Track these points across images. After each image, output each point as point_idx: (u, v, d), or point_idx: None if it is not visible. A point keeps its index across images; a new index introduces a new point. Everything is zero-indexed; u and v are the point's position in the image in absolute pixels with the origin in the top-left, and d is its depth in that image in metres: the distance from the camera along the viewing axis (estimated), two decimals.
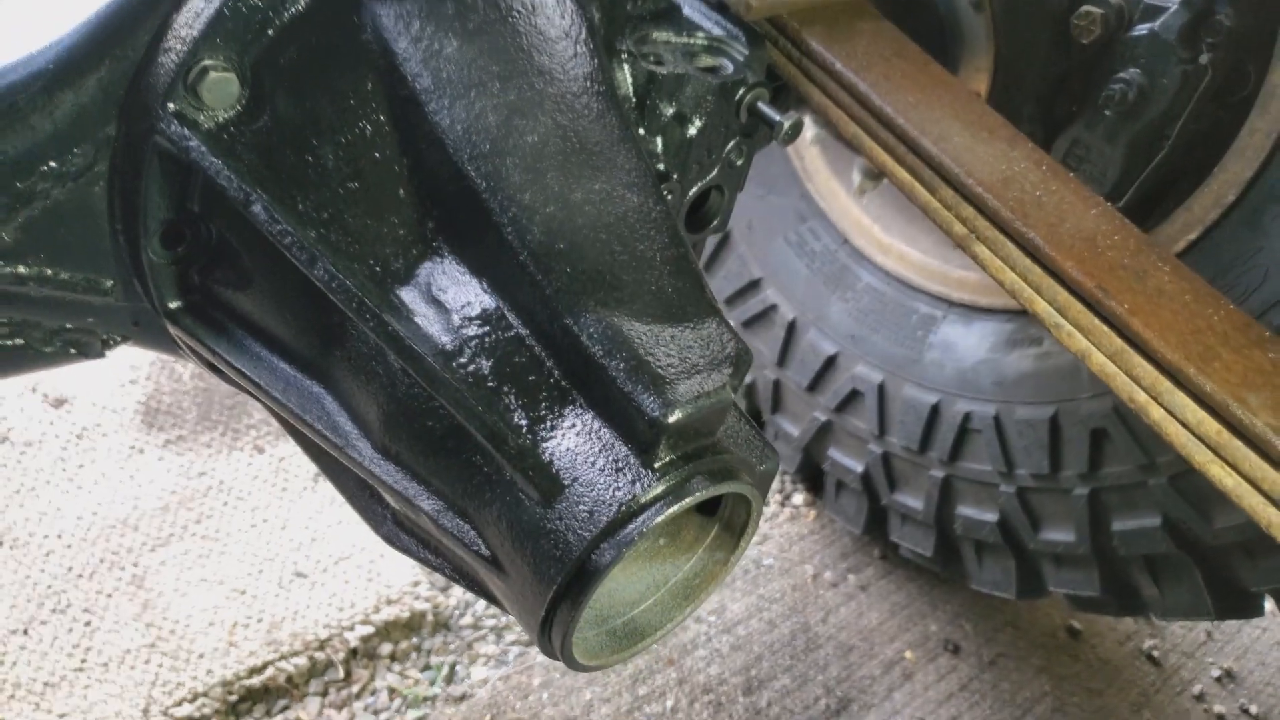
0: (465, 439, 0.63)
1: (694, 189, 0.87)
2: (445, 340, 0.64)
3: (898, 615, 1.74)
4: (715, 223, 0.91)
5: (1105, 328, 0.72)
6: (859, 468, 1.64)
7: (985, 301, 1.52)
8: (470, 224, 0.66)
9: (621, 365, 0.60)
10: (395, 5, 0.66)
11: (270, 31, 0.65)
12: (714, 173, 0.87)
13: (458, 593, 1.53)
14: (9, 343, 0.71)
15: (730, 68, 0.83)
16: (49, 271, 0.70)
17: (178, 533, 1.46)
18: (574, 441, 0.61)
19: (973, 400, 1.48)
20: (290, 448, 1.59)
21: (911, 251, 1.61)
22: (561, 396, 0.62)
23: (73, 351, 0.74)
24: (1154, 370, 0.70)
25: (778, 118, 0.83)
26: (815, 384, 1.67)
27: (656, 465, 0.60)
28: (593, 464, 0.61)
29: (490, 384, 0.63)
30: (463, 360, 0.63)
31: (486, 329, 0.65)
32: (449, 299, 0.66)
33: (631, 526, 0.59)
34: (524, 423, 0.61)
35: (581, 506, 0.60)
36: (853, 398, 1.62)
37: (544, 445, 0.61)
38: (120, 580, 1.39)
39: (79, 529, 1.42)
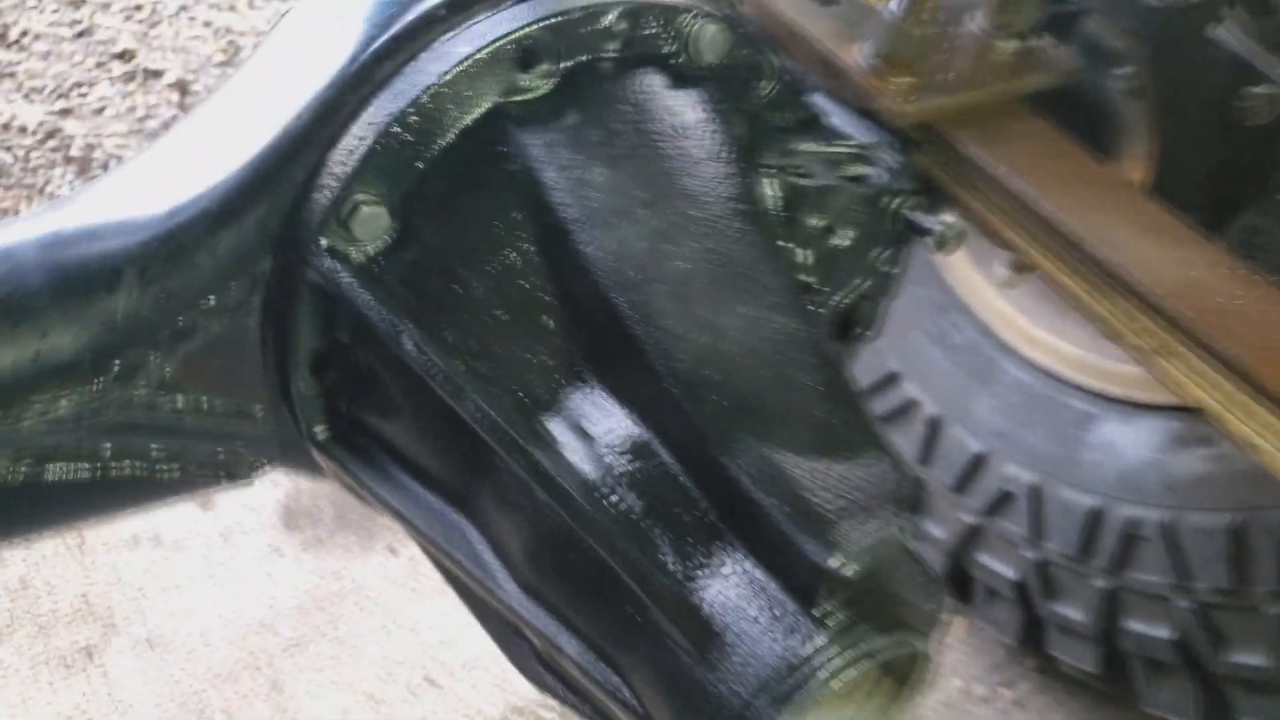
0: (613, 580, 0.60)
1: (843, 301, 0.83)
2: (592, 473, 0.62)
3: None
4: (865, 333, 0.87)
5: None
6: (1012, 575, 1.54)
7: (1147, 397, 1.41)
8: (617, 352, 0.63)
9: (780, 504, 0.56)
10: (543, 134, 0.65)
11: (420, 165, 0.65)
12: (864, 283, 0.83)
13: None
14: (165, 470, 0.72)
15: (879, 176, 0.80)
16: (204, 401, 0.70)
17: (313, 635, 1.47)
18: (729, 587, 0.57)
19: (1139, 505, 1.37)
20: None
21: (1063, 344, 1.52)
22: (715, 536, 0.59)
23: (222, 476, 0.75)
24: None
25: (933, 225, 0.79)
26: (962, 484, 1.58)
27: (820, 615, 0.55)
28: (749, 613, 0.56)
29: (639, 521, 0.59)
30: (610, 495, 0.60)
31: (635, 462, 0.62)
32: (596, 429, 0.63)
33: (792, 684, 0.54)
34: (675, 565, 0.58)
35: (737, 660, 0.55)
36: (1004, 500, 1.53)
37: (696, 590, 0.57)
38: (257, 683, 1.41)
39: (220, 629, 1.45)
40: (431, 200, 0.66)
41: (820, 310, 0.82)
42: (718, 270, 0.64)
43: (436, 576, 1.68)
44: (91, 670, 1.37)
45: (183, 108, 2.11)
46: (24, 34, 2.17)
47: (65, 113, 2.07)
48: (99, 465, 0.69)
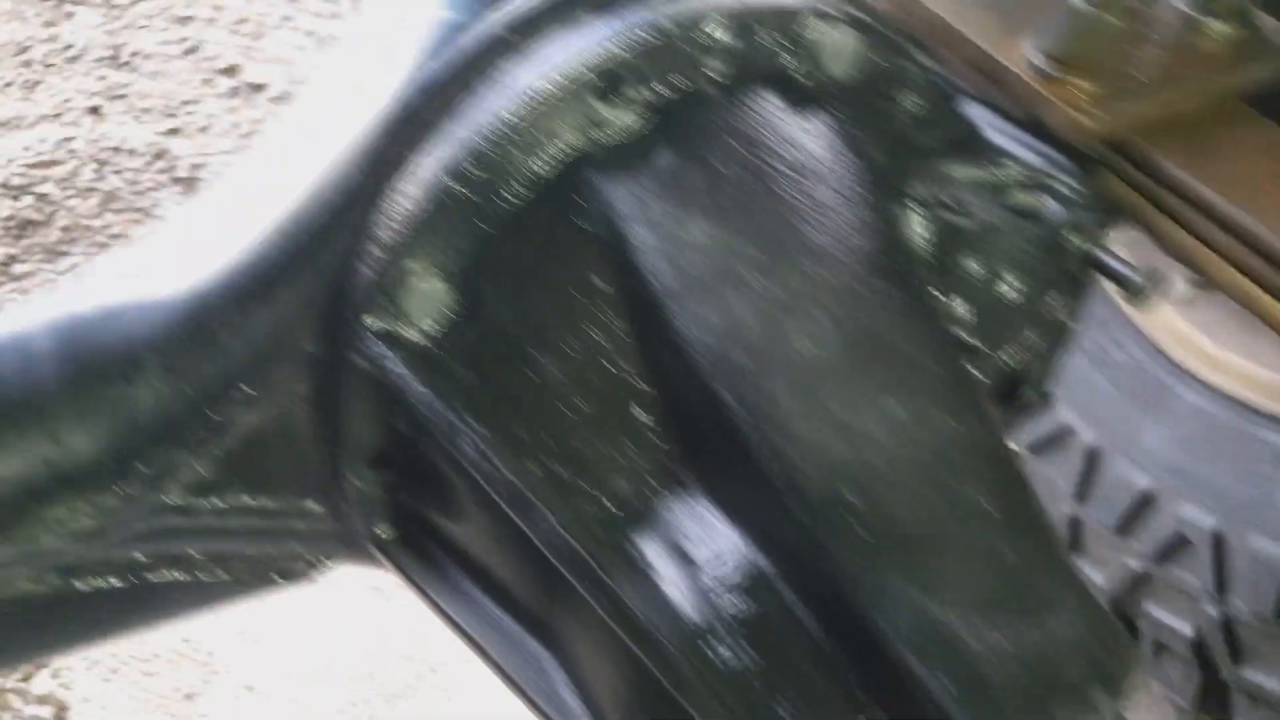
0: None
1: (1010, 361, 0.67)
2: (694, 615, 0.49)
3: None
4: (1034, 398, 0.71)
5: None
6: (1188, 631, 1.34)
7: None
8: (726, 456, 0.50)
9: (946, 681, 0.42)
10: (630, 185, 0.52)
11: (483, 226, 0.53)
12: (1035, 338, 0.68)
13: None
14: (214, 577, 0.62)
15: (1055, 208, 0.64)
16: (250, 501, 0.61)
17: (415, 684, 1.40)
18: None
19: None
20: None
21: (1253, 367, 1.31)
22: (856, 709, 0.45)
23: (277, 579, 0.65)
24: None
25: (1128, 271, 0.62)
26: (1126, 525, 1.39)
27: None
28: None
29: (754, 684, 0.47)
30: (717, 647, 0.48)
31: (749, 601, 0.49)
32: (700, 553, 0.50)
33: None
34: None
35: None
36: (1179, 546, 1.33)
37: None
38: None
39: (321, 675, 1.39)
40: (498, 267, 0.54)
41: (980, 373, 0.66)
42: (857, 353, 0.50)
43: None
44: (193, 715, 1.33)
45: None
46: (135, 54, 2.17)
47: (173, 132, 2.06)
48: (135, 575, 0.60)
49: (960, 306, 0.65)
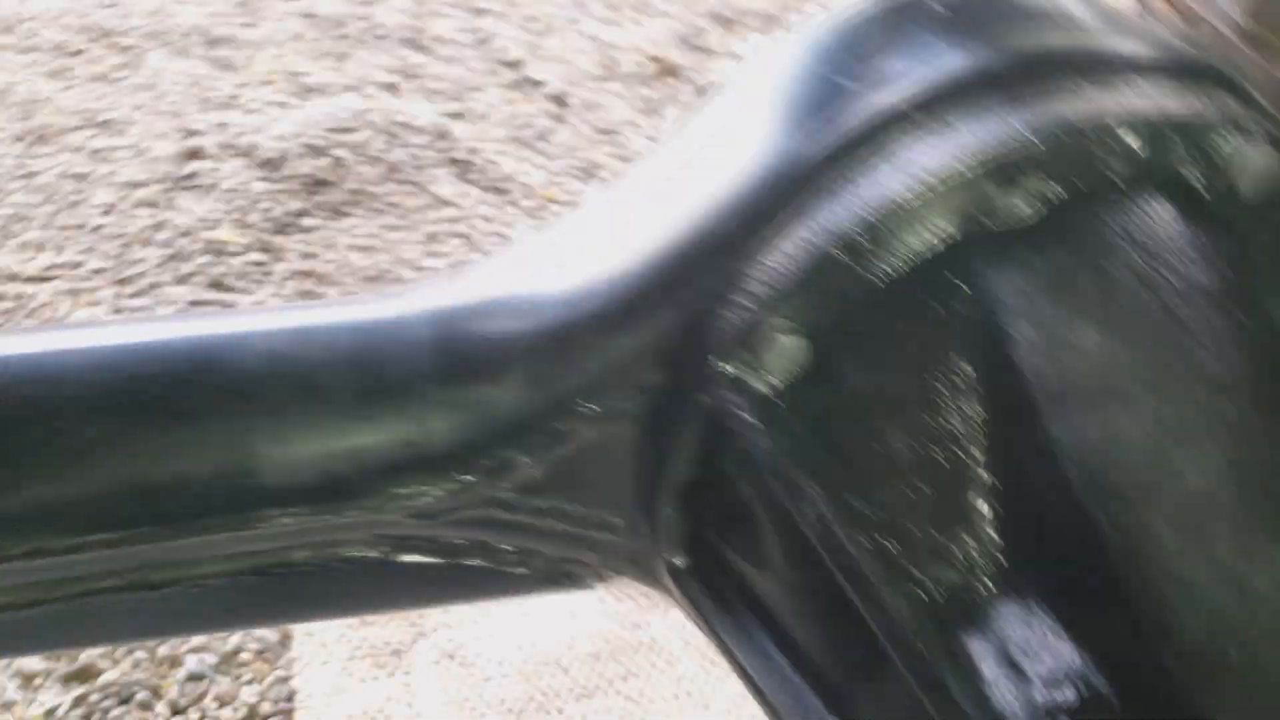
0: None
1: None
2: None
3: None
4: None
5: None
6: None
7: None
8: (1081, 575, 0.49)
9: None
10: (1015, 277, 0.52)
11: (857, 294, 0.53)
12: None
13: None
14: (513, 570, 0.66)
15: None
16: (566, 506, 0.64)
17: (604, 686, 1.42)
18: None
19: None
20: None
21: None
22: None
23: (565, 583, 0.68)
24: None
25: None
26: None
27: None
28: None
29: None
30: None
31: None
32: (1034, 668, 0.49)
33: None
34: None
35: None
36: None
37: None
38: None
39: (517, 660, 1.44)
40: (862, 334, 0.54)
41: None
42: (1253, 495, 0.47)
43: None
44: (398, 672, 1.41)
45: (559, 119, 2.17)
46: (433, 39, 2.32)
47: (455, 115, 2.18)
48: (450, 557, 0.64)
49: None
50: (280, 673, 1.40)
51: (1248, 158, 0.53)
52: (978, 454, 0.51)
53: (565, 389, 0.58)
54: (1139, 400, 0.48)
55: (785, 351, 0.53)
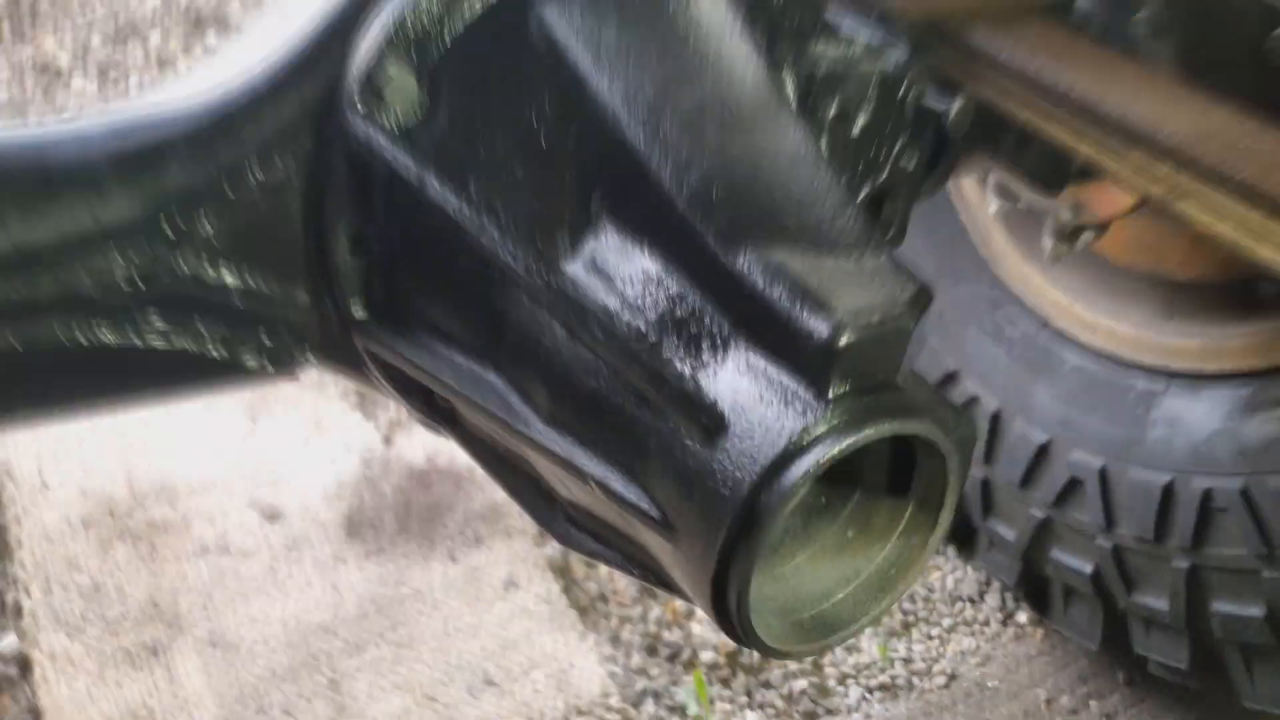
0: (628, 394, 0.61)
1: (864, 191, 0.85)
2: (608, 302, 0.63)
3: None
4: (891, 232, 0.88)
5: None
6: (1088, 568, 1.47)
7: (1213, 367, 1.37)
8: (632, 191, 0.66)
9: (784, 293, 0.57)
10: (560, 3, 0.70)
11: (446, 37, 0.70)
12: (884, 176, 0.85)
13: (649, 706, 1.45)
14: (214, 353, 0.75)
15: (891, 68, 0.83)
16: (252, 282, 0.75)
17: (373, 639, 1.47)
18: (739, 380, 0.58)
19: (1212, 476, 1.32)
20: (482, 557, 1.59)
21: (1120, 325, 1.49)
22: (726, 341, 0.60)
23: (269, 367, 0.78)
24: None
25: (942, 105, 0.80)
26: (1028, 478, 1.53)
27: (830, 396, 0.55)
28: (760, 399, 0.57)
29: (651, 337, 0.61)
30: (625, 317, 0.62)
31: (648, 289, 0.63)
32: (612, 268, 0.66)
33: (806, 459, 0.54)
34: (684, 366, 0.59)
35: (749, 441, 0.55)
36: (1072, 488, 1.48)
37: (706, 385, 0.58)
38: (318, 684, 1.41)
39: (283, 633, 1.46)
40: (457, 71, 0.71)
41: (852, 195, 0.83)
42: (726, 107, 0.67)
43: (497, 582, 1.67)
44: (156, 668, 1.39)
45: None
46: None
47: None
48: (152, 336, 0.73)
49: (821, 143, 0.82)
50: (26, 701, 1.35)
51: None
52: (555, 134, 0.68)
53: (229, 159, 0.71)
54: (648, 63, 0.69)
55: (401, 88, 0.69)
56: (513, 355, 0.69)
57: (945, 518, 0.64)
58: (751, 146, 0.65)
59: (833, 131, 0.82)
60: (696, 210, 0.62)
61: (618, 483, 0.62)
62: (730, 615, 0.57)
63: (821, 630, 0.64)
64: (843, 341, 0.55)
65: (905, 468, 0.65)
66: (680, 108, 0.66)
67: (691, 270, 0.63)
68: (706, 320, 0.61)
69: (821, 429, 0.55)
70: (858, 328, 0.55)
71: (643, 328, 0.62)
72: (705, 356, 0.60)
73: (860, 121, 0.82)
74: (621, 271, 0.65)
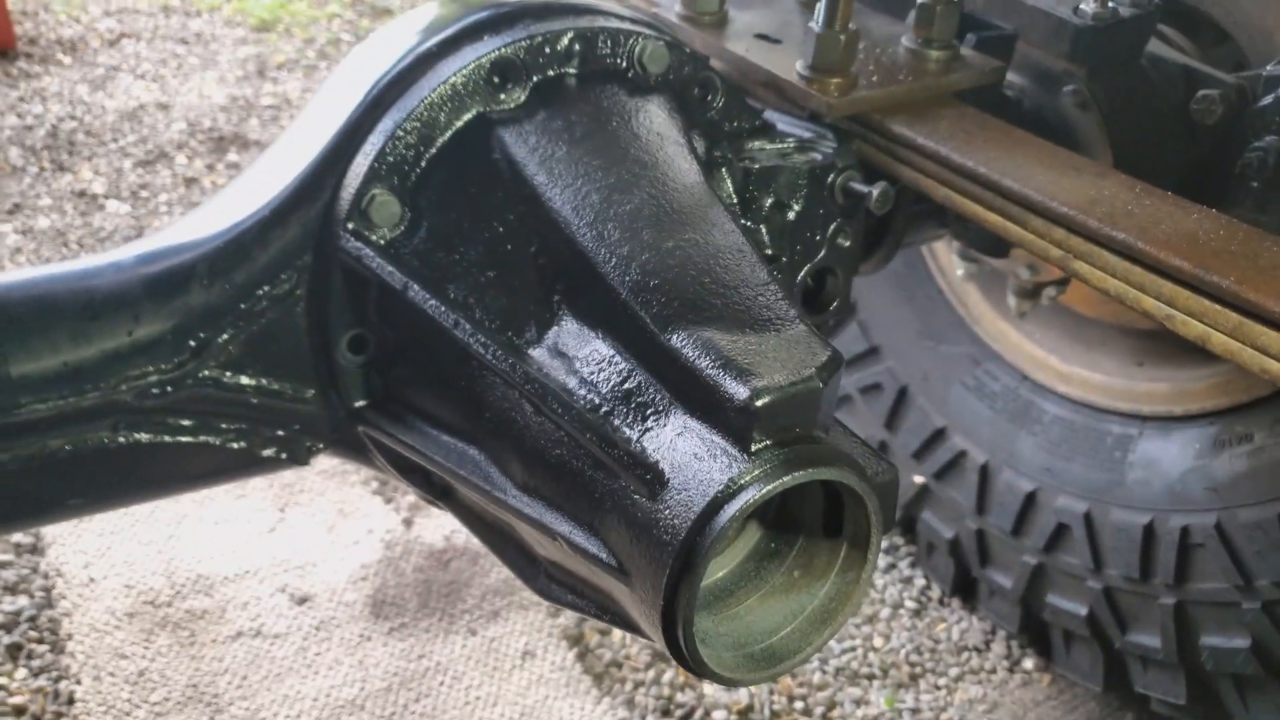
0: (586, 459, 0.70)
1: (804, 270, 0.94)
2: (567, 381, 0.73)
3: None
4: (835, 305, 0.97)
5: (1217, 306, 0.71)
6: (1083, 610, 1.52)
7: (1181, 410, 1.44)
8: (585, 285, 0.76)
9: (710, 364, 0.67)
10: (516, 128, 0.82)
11: (422, 163, 0.81)
12: (822, 254, 0.95)
13: None
14: (235, 445, 0.86)
15: (820, 159, 0.93)
16: (265, 382, 0.85)
17: (399, 712, 1.55)
18: (677, 441, 0.67)
19: (1188, 513, 1.37)
20: (500, 629, 1.67)
21: (1093, 375, 1.57)
22: (667, 409, 0.69)
23: (284, 457, 0.89)
24: (1279, 334, 0.68)
25: (866, 189, 0.91)
26: (1019, 526, 1.60)
27: (753, 450, 0.64)
28: (695, 456, 0.66)
29: (604, 408, 0.70)
30: (581, 393, 0.72)
31: (601, 368, 0.73)
32: (571, 351, 0.75)
33: (733, 505, 0.63)
34: (631, 433, 0.68)
35: (686, 493, 0.64)
36: (1060, 533, 1.54)
37: (649, 448, 0.67)
38: None
39: (314, 710, 1.54)
40: (434, 190, 0.82)
41: (780, 275, 0.93)
42: (662, 209, 0.77)
43: (514, 653, 1.74)
44: None
45: None
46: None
47: None
48: (182, 434, 0.83)
49: (762, 231, 0.93)
50: None
51: (650, 47, 0.87)
52: (518, 242, 0.79)
53: (243, 280, 0.82)
54: (594, 176, 0.81)
55: (384, 208, 0.80)
56: (491, 432, 0.79)
57: (873, 555, 0.72)
58: (684, 240, 0.75)
59: (770, 219, 0.92)
60: (637, 298, 0.72)
61: (580, 538, 0.70)
62: (680, 646, 0.65)
63: (770, 661, 0.71)
64: (759, 403, 0.64)
65: (839, 512, 0.73)
66: (621, 212, 0.77)
67: (636, 350, 0.72)
68: (650, 392, 0.70)
69: (746, 479, 0.64)
70: (773, 390, 0.65)
71: (596, 400, 0.71)
72: (649, 423, 0.69)
73: (796, 208, 0.92)
74: (579, 354, 0.75)
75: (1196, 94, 1.23)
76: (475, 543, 1.80)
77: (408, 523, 1.83)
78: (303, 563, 1.76)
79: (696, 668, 0.67)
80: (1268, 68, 1.24)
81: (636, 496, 0.67)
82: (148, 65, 3.38)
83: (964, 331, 1.72)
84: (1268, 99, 1.21)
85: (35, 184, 2.71)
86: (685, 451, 0.66)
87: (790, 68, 0.98)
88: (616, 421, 0.69)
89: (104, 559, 1.74)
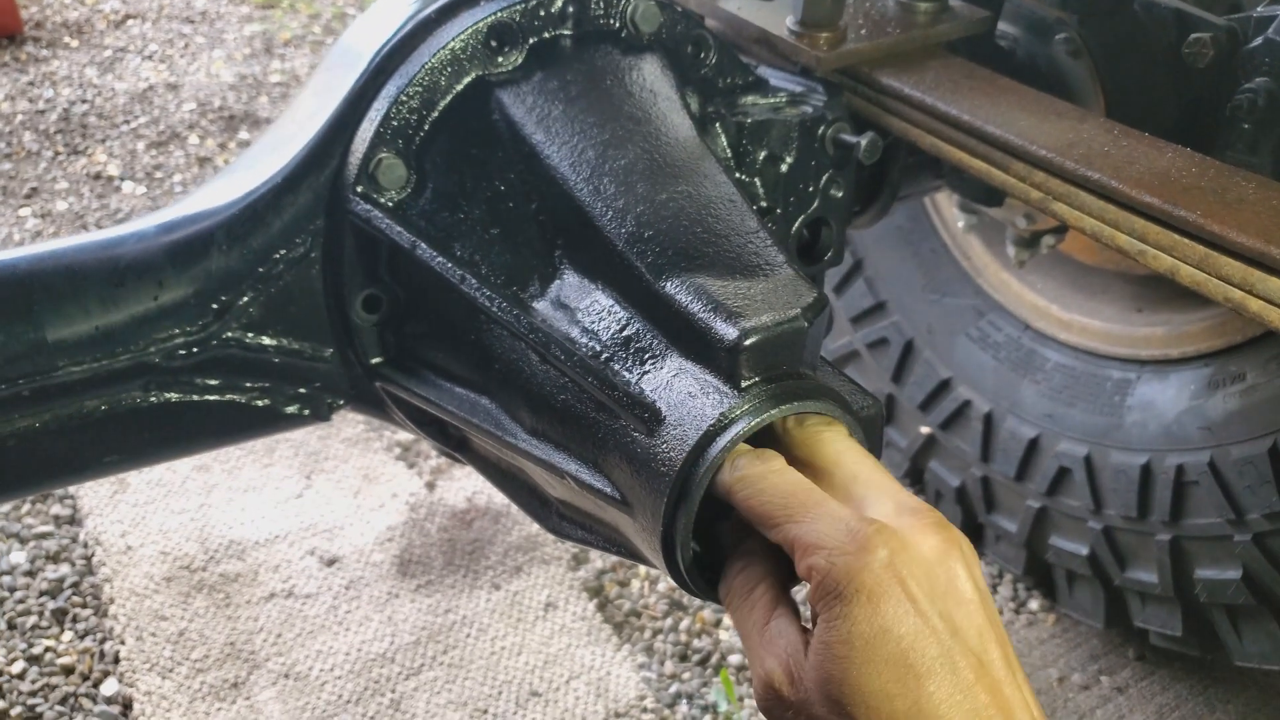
0: (588, 402, 0.75)
1: (798, 221, 0.98)
2: (570, 331, 0.78)
3: (1168, 718, 1.57)
4: (830, 255, 1.01)
5: (1185, 239, 0.74)
6: (1084, 550, 1.56)
7: (1177, 353, 1.47)
8: (583, 239, 0.80)
9: (701, 308, 0.71)
10: (514, 89, 0.85)
11: (425, 127, 0.85)
12: (815, 205, 0.98)
13: (683, 708, 1.57)
14: (260, 403, 0.91)
15: (811, 111, 0.97)
16: (285, 341, 0.90)
17: (428, 662, 1.61)
18: (673, 381, 0.71)
19: (1183, 452, 1.41)
20: (522, 583, 1.73)
21: (1093, 322, 1.60)
22: (663, 353, 0.73)
23: (306, 413, 0.93)
24: (1242, 265, 0.71)
25: (854, 139, 0.94)
26: (1022, 472, 1.63)
27: (742, 386, 0.68)
28: (689, 395, 0.70)
29: (605, 355, 0.75)
30: (583, 341, 0.76)
31: (601, 317, 0.77)
32: (573, 303, 0.80)
33: (724, 437, 0.67)
34: (630, 375, 0.72)
35: (681, 429, 0.69)
36: (1062, 476, 1.57)
37: (647, 389, 0.71)
38: (381, 705, 1.55)
39: (347, 663, 1.61)
40: (437, 153, 0.86)
41: (775, 227, 0.97)
42: (655, 163, 0.81)
43: (537, 605, 1.80)
44: (239, 700, 1.54)
45: None
46: None
47: None
48: (210, 393, 0.88)
49: (756, 184, 0.96)
50: None
51: (641, 6, 0.90)
52: (519, 199, 0.83)
53: (259, 245, 0.87)
54: (590, 133, 0.85)
55: (391, 171, 0.85)
56: (500, 382, 0.83)
57: None
58: (677, 192, 0.79)
59: (764, 172, 0.96)
60: (633, 249, 0.77)
61: (586, 475, 0.75)
62: (679, 568, 0.70)
63: None
64: (748, 342, 0.68)
65: None
66: (616, 167, 0.80)
67: (633, 298, 0.77)
68: (647, 337, 0.75)
69: (737, 413, 0.68)
70: (760, 330, 0.69)
71: (597, 348, 0.76)
72: (647, 366, 0.73)
73: (788, 161, 0.96)
74: (580, 305, 0.80)
75: (1188, 37, 1.25)
76: (496, 503, 1.85)
77: (430, 486, 1.89)
78: (330, 526, 1.82)
79: (695, 587, 0.72)
80: (1258, 9, 1.26)
81: (636, 434, 0.71)
82: (155, 46, 3.42)
83: (967, 284, 1.75)
84: (1258, 41, 1.22)
85: (51, 168, 2.77)
86: (680, 391, 0.71)
87: (781, 23, 1.02)
88: (616, 366, 0.74)
89: (139, 528, 1.81)
